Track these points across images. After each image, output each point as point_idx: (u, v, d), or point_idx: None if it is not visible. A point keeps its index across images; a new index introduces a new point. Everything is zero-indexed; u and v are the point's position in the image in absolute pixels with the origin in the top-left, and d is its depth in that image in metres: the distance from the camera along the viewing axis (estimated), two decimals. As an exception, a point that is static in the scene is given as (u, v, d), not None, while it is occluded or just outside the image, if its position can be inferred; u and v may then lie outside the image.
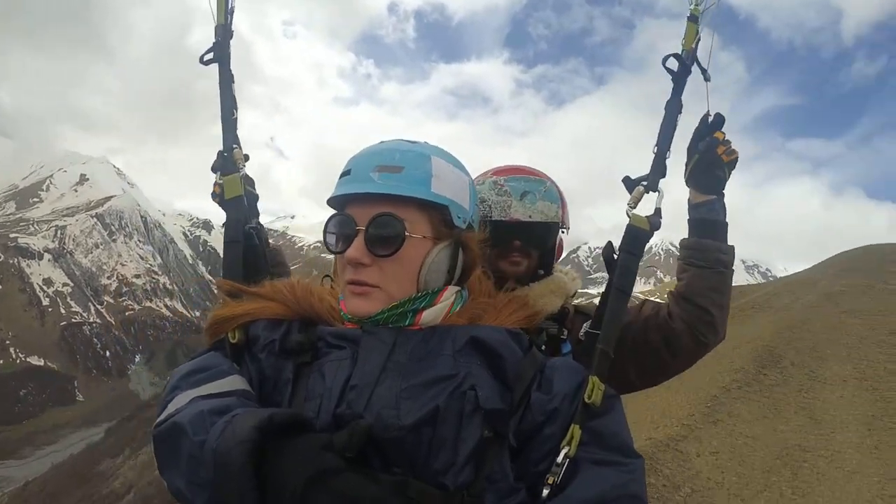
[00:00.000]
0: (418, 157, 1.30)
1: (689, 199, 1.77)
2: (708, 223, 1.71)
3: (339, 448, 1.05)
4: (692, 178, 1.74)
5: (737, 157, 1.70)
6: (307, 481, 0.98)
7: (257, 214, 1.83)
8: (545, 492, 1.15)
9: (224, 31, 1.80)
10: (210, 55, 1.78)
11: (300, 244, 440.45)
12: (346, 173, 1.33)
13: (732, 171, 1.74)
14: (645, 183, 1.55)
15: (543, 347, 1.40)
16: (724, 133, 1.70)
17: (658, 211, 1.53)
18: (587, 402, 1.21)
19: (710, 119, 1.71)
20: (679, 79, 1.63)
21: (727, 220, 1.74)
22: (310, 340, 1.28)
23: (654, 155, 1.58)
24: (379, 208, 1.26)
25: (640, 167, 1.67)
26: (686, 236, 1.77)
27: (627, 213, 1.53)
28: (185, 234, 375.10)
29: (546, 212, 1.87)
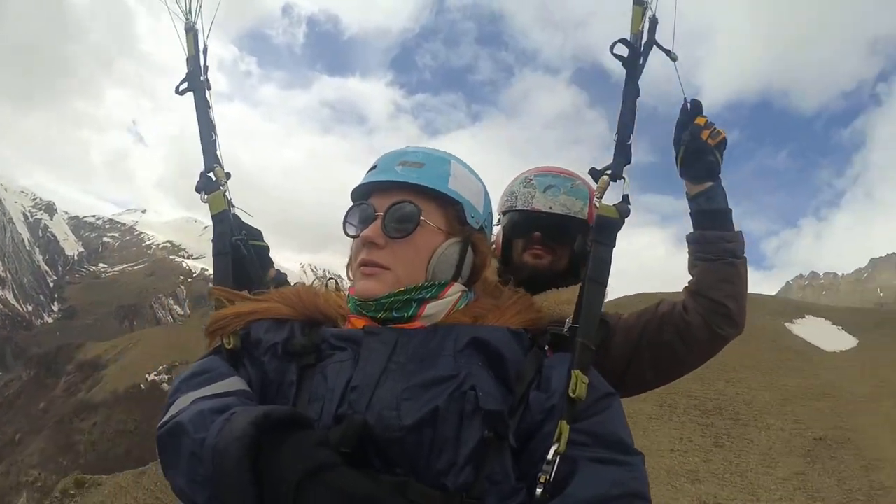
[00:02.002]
0: (439, 159, 1.37)
1: (686, 193, 1.69)
2: (708, 213, 1.63)
3: (334, 444, 1.05)
4: (684, 170, 1.67)
5: (724, 138, 1.63)
6: (302, 476, 0.97)
7: (271, 264, 1.88)
8: (538, 490, 1.11)
9: (195, 63, 1.85)
10: (184, 85, 1.84)
11: (148, 242, 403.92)
12: (372, 168, 1.38)
13: (724, 154, 1.65)
14: (609, 172, 1.51)
15: (547, 347, 1.35)
16: (705, 117, 1.64)
17: (626, 198, 1.48)
18: (572, 398, 1.18)
19: (688, 106, 1.66)
20: (631, 64, 1.57)
21: (729, 206, 1.65)
22: (313, 342, 1.27)
23: (615, 143, 1.54)
24: (398, 196, 1.31)
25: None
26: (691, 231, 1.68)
27: (595, 204, 1.49)
28: (25, 214, 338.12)
29: (569, 206, 1.85)
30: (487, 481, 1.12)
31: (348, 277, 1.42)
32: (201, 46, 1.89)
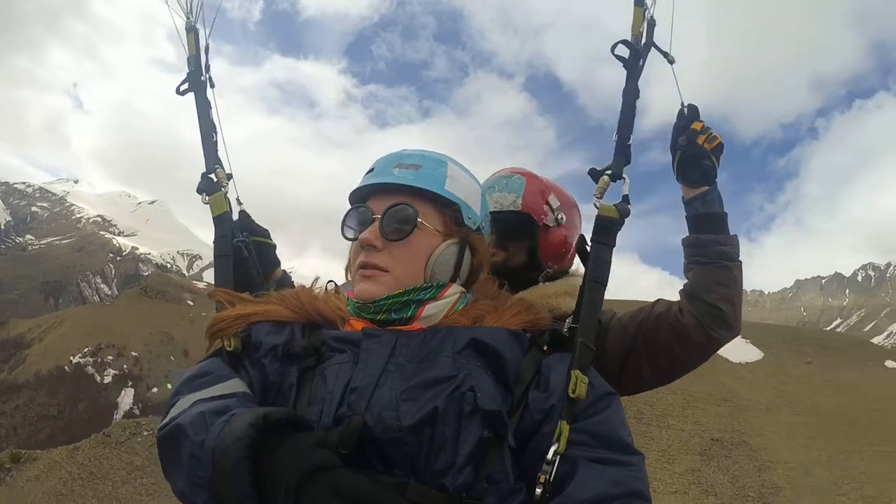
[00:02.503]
0: (436, 161, 1.36)
1: (682, 197, 1.68)
2: (704, 217, 1.63)
3: (333, 445, 1.04)
4: (680, 174, 1.66)
5: (720, 143, 1.62)
6: (301, 476, 0.97)
7: (278, 263, 1.87)
8: (538, 490, 1.11)
9: (196, 62, 1.80)
10: (185, 86, 1.79)
11: (79, 215, 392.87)
12: (369, 171, 1.37)
13: (720, 158, 1.64)
14: (609, 172, 1.49)
15: (546, 348, 1.33)
16: (702, 122, 1.62)
17: (626, 197, 1.47)
18: (572, 397, 1.17)
19: (685, 111, 1.66)
20: (631, 65, 1.56)
21: (724, 210, 1.64)
22: (313, 345, 1.26)
23: (615, 143, 1.53)
24: (396, 199, 1.30)
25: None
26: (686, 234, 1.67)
27: (595, 204, 1.47)
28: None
29: (500, 201, 1.84)
30: (487, 481, 1.12)
31: (346, 280, 1.43)
32: (202, 45, 1.85)
